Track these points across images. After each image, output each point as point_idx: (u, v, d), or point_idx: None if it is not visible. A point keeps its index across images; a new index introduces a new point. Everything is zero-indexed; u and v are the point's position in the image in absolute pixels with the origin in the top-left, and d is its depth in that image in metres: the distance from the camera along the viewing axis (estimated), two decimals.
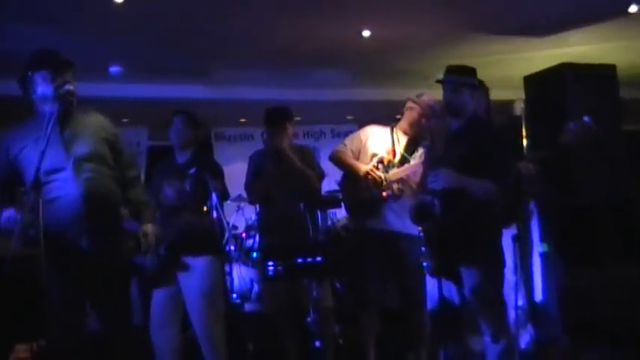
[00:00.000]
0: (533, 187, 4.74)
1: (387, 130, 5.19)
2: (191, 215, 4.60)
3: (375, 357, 5.13)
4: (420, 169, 4.68)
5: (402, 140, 5.13)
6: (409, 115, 5.12)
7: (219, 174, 4.77)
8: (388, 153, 5.07)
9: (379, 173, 4.98)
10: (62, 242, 3.50)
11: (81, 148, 3.65)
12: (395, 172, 4.99)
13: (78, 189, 3.56)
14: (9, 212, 3.49)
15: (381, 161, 5.05)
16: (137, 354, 3.90)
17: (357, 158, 5.14)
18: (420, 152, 5.05)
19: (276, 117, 5.00)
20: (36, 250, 3.24)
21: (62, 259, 3.48)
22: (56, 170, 3.54)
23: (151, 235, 3.84)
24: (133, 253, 3.89)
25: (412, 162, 5.02)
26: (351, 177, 5.15)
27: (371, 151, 5.10)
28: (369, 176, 4.97)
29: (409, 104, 5.13)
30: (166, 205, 4.72)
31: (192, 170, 4.51)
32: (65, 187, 3.55)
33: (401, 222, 4.99)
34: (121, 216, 3.87)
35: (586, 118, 3.82)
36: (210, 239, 4.73)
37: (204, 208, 4.69)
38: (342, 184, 5.38)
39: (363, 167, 5.01)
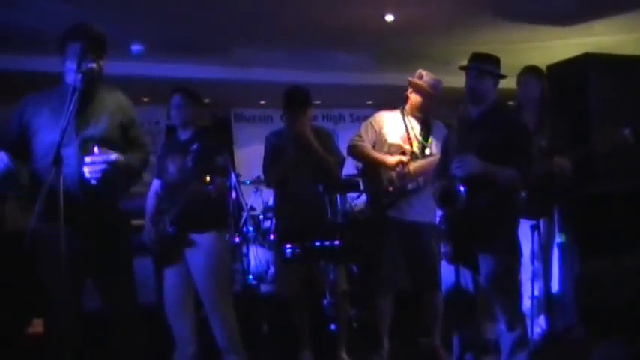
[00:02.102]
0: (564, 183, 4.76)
1: (398, 114, 5.21)
2: (194, 192, 4.61)
3: (389, 341, 5.15)
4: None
5: (414, 125, 5.16)
6: (414, 98, 5.15)
7: (221, 151, 4.80)
8: (404, 141, 5.08)
9: (405, 158, 5.02)
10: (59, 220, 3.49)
11: (92, 128, 3.61)
12: (419, 165, 5.01)
13: (80, 168, 3.54)
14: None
15: (403, 153, 5.06)
16: (142, 332, 3.90)
17: (374, 148, 5.16)
18: (437, 136, 5.11)
19: (296, 99, 4.98)
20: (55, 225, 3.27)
21: (58, 237, 3.46)
22: (63, 145, 3.44)
23: (119, 161, 3.57)
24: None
25: (429, 150, 5.07)
26: (372, 169, 5.16)
27: (387, 139, 5.12)
28: (403, 167, 5.01)
29: (412, 87, 5.15)
30: (169, 183, 4.75)
31: (195, 146, 4.52)
32: (68, 164, 3.50)
33: (422, 211, 5.03)
34: (117, 200, 3.85)
35: (626, 130, 3.80)
36: (215, 215, 4.76)
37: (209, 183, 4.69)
38: (363, 175, 5.39)
39: (390, 159, 5.04)
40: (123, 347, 3.74)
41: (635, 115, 5.99)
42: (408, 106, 5.20)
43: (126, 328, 3.76)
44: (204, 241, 4.64)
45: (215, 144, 4.82)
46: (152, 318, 5.22)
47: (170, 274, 4.75)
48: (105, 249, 3.64)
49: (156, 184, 4.91)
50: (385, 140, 5.13)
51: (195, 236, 4.64)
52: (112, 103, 3.76)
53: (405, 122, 5.16)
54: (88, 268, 3.64)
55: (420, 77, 5.13)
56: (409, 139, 5.11)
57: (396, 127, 5.16)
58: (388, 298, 5.13)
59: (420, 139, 5.13)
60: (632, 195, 5.74)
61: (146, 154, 3.93)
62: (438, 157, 4.89)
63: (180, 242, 4.67)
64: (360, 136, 5.21)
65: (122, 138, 3.75)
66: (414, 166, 5.03)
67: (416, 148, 5.09)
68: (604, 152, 3.80)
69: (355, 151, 5.22)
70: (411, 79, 5.17)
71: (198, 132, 4.84)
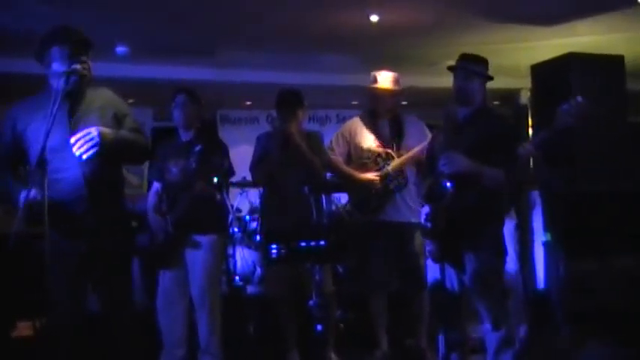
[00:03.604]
0: (537, 172, 4.76)
1: (366, 119, 5.28)
2: (197, 192, 4.62)
3: (388, 342, 5.16)
4: (419, 154, 4.78)
5: (384, 126, 5.21)
6: (378, 98, 5.20)
7: (224, 151, 4.80)
8: (377, 145, 5.15)
9: (376, 176, 5.08)
10: (64, 221, 3.51)
11: (86, 127, 3.63)
12: (396, 164, 5.06)
13: (81, 169, 3.56)
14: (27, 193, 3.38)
15: (379, 155, 5.10)
16: (138, 334, 3.91)
17: (349, 156, 5.23)
18: (410, 130, 5.19)
19: (287, 100, 5.03)
20: (39, 228, 3.26)
21: (64, 238, 3.48)
22: (61, 149, 3.50)
23: (103, 131, 3.51)
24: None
25: (404, 146, 5.13)
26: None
27: (361, 145, 5.19)
28: (371, 182, 5.07)
29: (373, 90, 5.19)
30: (172, 183, 4.75)
31: (198, 148, 4.51)
32: (69, 166, 3.54)
33: (406, 212, 5.07)
34: (123, 197, 3.87)
35: (579, 98, 3.81)
36: (217, 217, 4.77)
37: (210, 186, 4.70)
38: (344, 182, 5.42)
39: (361, 176, 5.11)
40: (120, 348, 3.74)
41: (617, 113, 6.04)
42: (376, 109, 5.23)
43: (124, 330, 3.76)
44: (206, 242, 4.69)
45: (218, 145, 4.83)
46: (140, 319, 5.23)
47: (167, 276, 4.75)
48: (108, 249, 3.64)
49: (156, 185, 4.91)
50: (360, 147, 5.19)
51: (197, 237, 4.65)
52: (101, 99, 3.77)
53: (375, 126, 5.20)
54: (92, 271, 3.64)
55: (375, 81, 5.17)
56: (382, 141, 5.15)
57: (366, 133, 5.21)
58: (380, 298, 5.15)
59: (393, 138, 5.17)
60: (619, 195, 5.78)
61: (144, 137, 3.92)
62: (414, 151, 4.95)
63: (181, 243, 4.68)
64: (332, 149, 5.26)
65: (118, 127, 3.74)
66: (391, 165, 5.07)
67: (390, 150, 5.13)
68: (566, 124, 3.80)
69: (328, 165, 5.24)
70: (367, 87, 5.22)
71: (200, 133, 4.85)
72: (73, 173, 3.54)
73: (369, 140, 5.17)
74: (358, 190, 5.18)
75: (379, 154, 5.13)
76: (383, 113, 5.20)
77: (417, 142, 5.07)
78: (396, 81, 5.19)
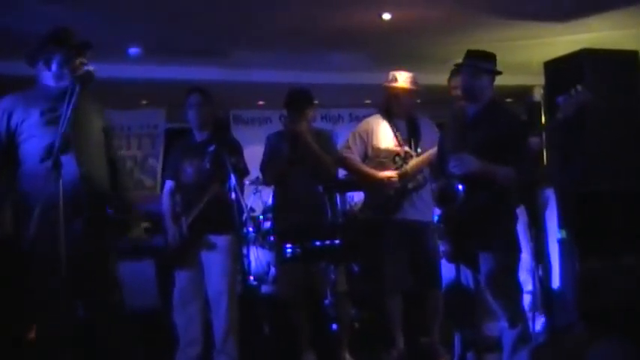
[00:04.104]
0: (548, 169, 4.73)
1: (382, 119, 5.27)
2: (212, 194, 4.62)
3: (404, 341, 5.15)
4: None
5: (401, 126, 5.20)
6: (396, 98, 5.19)
7: (238, 151, 4.80)
8: (395, 144, 5.13)
9: (394, 174, 5.05)
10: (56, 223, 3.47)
11: (84, 130, 3.67)
12: (415, 164, 5.04)
13: (77, 170, 3.56)
14: None
15: (397, 155, 5.09)
16: (127, 340, 3.90)
17: (366, 155, 5.21)
18: (425, 131, 5.18)
19: (296, 100, 5.04)
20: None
21: (54, 240, 3.44)
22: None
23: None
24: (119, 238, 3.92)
25: (421, 147, 5.11)
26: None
27: (378, 145, 5.17)
28: (390, 181, 5.04)
29: (390, 89, 5.19)
30: (186, 184, 4.75)
31: (212, 148, 4.52)
32: (67, 163, 3.51)
33: (423, 209, 5.07)
34: (111, 199, 3.88)
35: (578, 87, 3.80)
36: (232, 217, 4.77)
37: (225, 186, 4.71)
38: (359, 181, 5.42)
39: (380, 174, 5.08)
40: (112, 349, 3.73)
41: (630, 109, 5.99)
42: (393, 109, 5.23)
43: (109, 330, 3.74)
44: (222, 243, 4.69)
45: (232, 145, 4.83)
46: (153, 321, 5.24)
47: (183, 276, 4.77)
48: (94, 249, 3.64)
49: (169, 184, 4.91)
50: (378, 147, 5.17)
51: (213, 238, 4.65)
52: (93, 107, 3.84)
53: (391, 125, 5.19)
54: (80, 271, 3.62)
55: (395, 80, 5.17)
56: (400, 141, 5.14)
57: (384, 133, 5.20)
58: (395, 297, 5.14)
59: (410, 138, 5.16)
60: (631, 195, 5.74)
61: (122, 167, 4.05)
62: (432, 152, 4.93)
63: (196, 244, 4.68)
64: (348, 147, 5.25)
65: (104, 140, 3.84)
66: (410, 164, 5.06)
67: (408, 148, 5.12)
68: (566, 114, 3.81)
69: (345, 164, 5.25)
70: (387, 84, 5.21)
71: (215, 133, 4.85)
72: (70, 170, 3.53)
73: (387, 140, 5.16)
74: (376, 190, 5.16)
75: (398, 154, 5.12)
76: (399, 113, 5.19)
77: (432, 144, 5.06)
78: (415, 81, 5.18)
